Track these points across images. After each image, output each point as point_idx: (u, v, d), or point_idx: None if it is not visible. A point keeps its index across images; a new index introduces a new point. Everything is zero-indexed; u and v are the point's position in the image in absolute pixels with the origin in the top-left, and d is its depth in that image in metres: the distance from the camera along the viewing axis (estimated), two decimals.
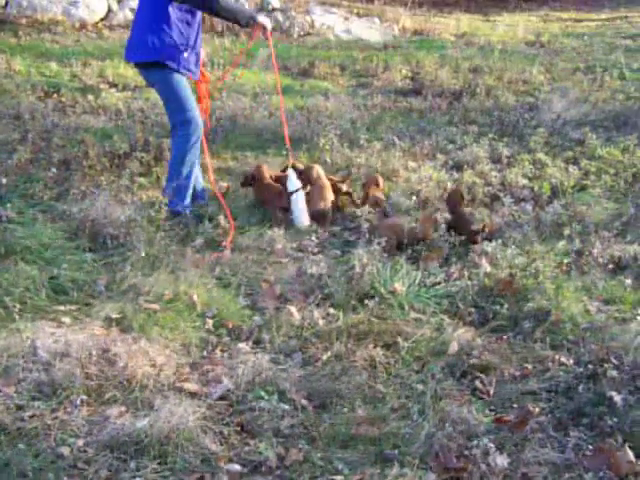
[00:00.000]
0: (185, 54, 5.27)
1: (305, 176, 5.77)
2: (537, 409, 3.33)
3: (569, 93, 9.70)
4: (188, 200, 5.58)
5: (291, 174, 5.71)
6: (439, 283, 4.52)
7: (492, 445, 2.95)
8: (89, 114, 8.17)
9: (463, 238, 5.01)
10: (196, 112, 5.46)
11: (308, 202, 5.64)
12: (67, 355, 3.45)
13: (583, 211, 5.62)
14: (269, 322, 4.05)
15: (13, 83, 8.77)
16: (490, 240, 4.90)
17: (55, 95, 8.71)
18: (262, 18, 5.44)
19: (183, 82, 5.38)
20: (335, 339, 3.85)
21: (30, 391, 3.26)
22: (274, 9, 14.50)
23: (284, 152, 6.96)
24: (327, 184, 5.79)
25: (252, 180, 5.87)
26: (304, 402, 3.38)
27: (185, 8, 5.15)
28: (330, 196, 5.68)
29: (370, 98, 9.60)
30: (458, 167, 6.72)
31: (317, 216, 5.59)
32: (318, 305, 4.24)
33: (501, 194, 5.89)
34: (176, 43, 5.18)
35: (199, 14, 5.32)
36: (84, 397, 3.22)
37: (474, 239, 5.07)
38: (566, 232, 5.13)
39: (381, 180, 5.93)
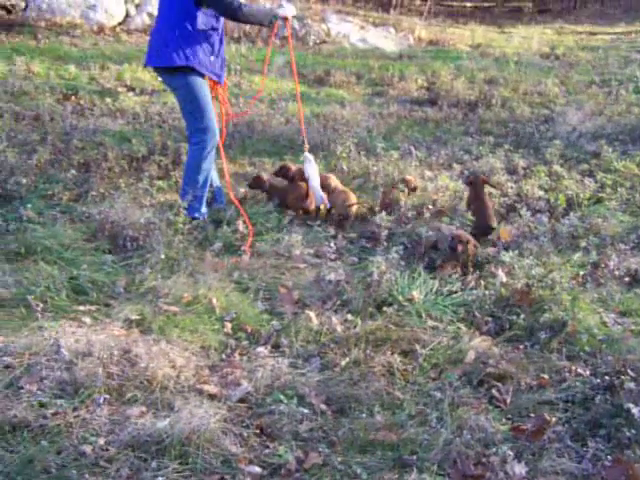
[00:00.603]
0: (212, 58, 5.31)
1: (322, 185, 5.85)
2: (554, 419, 3.34)
3: (584, 106, 9.74)
4: (204, 207, 5.62)
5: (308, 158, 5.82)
6: (455, 292, 4.54)
7: (510, 453, 2.96)
8: (107, 117, 8.24)
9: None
10: (214, 121, 5.47)
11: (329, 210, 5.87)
12: (89, 355, 3.48)
13: (599, 224, 5.63)
14: (287, 327, 4.08)
15: (32, 85, 8.87)
16: (507, 250, 4.91)
17: (73, 98, 8.82)
18: (282, 10, 5.35)
19: (206, 89, 5.41)
20: (353, 345, 3.87)
21: (52, 389, 3.29)
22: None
23: (301, 159, 7.01)
24: (347, 190, 5.90)
25: (258, 181, 5.95)
26: (323, 407, 3.40)
27: (211, 13, 5.17)
28: (352, 199, 5.79)
29: (386, 107, 9.67)
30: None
31: (339, 220, 5.72)
32: (336, 311, 4.27)
33: (517, 205, 5.91)
34: (203, 48, 5.22)
35: (222, 19, 5.35)
36: (106, 396, 3.25)
37: (487, 232, 5.10)
38: (582, 244, 5.16)
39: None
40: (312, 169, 5.78)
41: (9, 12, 12.62)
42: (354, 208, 5.78)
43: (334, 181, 5.93)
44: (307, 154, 5.80)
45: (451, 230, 5.08)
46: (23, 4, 12.81)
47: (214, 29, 5.28)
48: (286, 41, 13.68)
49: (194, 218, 5.43)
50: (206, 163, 5.50)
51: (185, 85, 5.33)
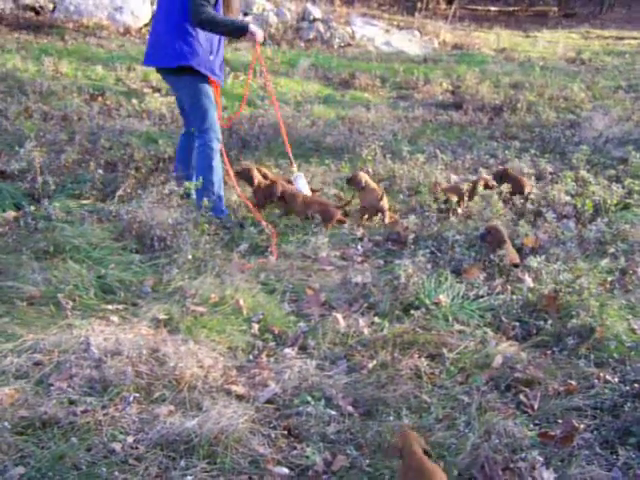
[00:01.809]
0: (211, 57, 5.33)
1: (353, 182, 5.95)
2: (582, 425, 3.33)
3: (611, 111, 9.67)
4: (224, 205, 5.67)
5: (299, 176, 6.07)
6: (482, 296, 4.52)
7: (540, 459, 2.95)
8: (133, 117, 8.29)
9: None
10: (216, 120, 5.54)
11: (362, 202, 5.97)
12: (118, 353, 3.51)
13: (627, 230, 5.58)
14: (314, 329, 4.09)
15: (60, 85, 8.95)
16: (534, 255, 4.89)
17: (100, 98, 8.87)
18: (253, 27, 5.33)
19: (207, 89, 5.43)
20: (380, 348, 3.87)
21: (82, 387, 3.33)
22: (315, 19, 14.59)
23: (326, 161, 7.02)
24: (376, 186, 6.00)
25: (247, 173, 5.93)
26: (350, 409, 3.41)
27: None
28: (381, 193, 5.87)
29: (411, 110, 9.66)
30: None
31: (370, 215, 5.83)
32: (363, 314, 4.27)
33: (544, 210, 5.87)
34: (203, 47, 5.24)
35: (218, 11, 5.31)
36: (135, 395, 3.27)
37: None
38: (610, 250, 5.12)
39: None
40: (303, 185, 6.06)
41: (37, 14, 12.74)
42: (385, 203, 5.84)
43: (364, 177, 5.98)
44: (297, 174, 6.06)
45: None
46: (51, 6, 12.93)
47: None
48: (311, 44, 13.76)
49: (219, 218, 5.46)
50: (216, 161, 5.56)
51: (189, 85, 5.38)
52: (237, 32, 5.34)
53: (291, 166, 6.22)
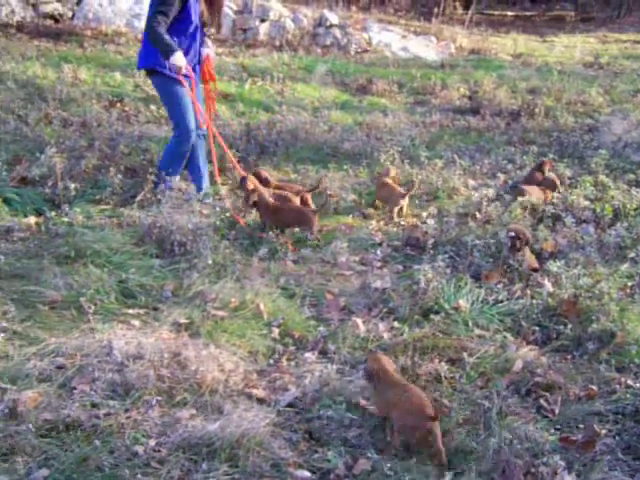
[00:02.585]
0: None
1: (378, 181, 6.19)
2: (604, 431, 3.31)
3: (630, 115, 9.63)
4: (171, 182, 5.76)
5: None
6: (502, 301, 4.51)
7: (561, 464, 2.94)
8: (152, 123, 8.35)
9: None
10: (187, 121, 5.82)
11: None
12: (140, 357, 3.53)
13: None
14: (334, 333, 4.10)
15: (79, 92, 9.01)
16: (554, 260, 4.87)
17: (119, 104, 8.93)
18: (174, 58, 5.46)
19: (177, 89, 5.72)
20: (400, 352, 3.87)
21: (104, 390, 3.35)
22: (332, 25, 14.63)
23: (344, 167, 7.04)
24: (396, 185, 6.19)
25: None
26: (370, 413, 3.41)
27: (172, 17, 5.49)
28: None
29: (428, 116, 9.65)
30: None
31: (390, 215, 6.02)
32: (382, 318, 4.28)
33: (563, 214, 5.85)
34: None
35: (189, 22, 5.62)
36: (158, 398, 3.29)
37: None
38: (630, 255, 5.09)
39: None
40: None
41: (57, 21, 12.86)
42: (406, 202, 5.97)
43: (384, 177, 6.12)
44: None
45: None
46: (70, 13, 13.05)
47: (179, 31, 5.59)
48: (328, 50, 13.79)
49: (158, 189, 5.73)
50: (177, 157, 5.95)
51: (159, 85, 5.84)
52: (165, 54, 5.49)
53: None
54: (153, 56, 5.56)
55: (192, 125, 5.85)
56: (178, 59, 5.48)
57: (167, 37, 5.45)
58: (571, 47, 16.55)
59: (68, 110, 8.29)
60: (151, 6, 5.48)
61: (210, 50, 6.00)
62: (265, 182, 6.08)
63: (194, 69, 5.87)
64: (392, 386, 3.31)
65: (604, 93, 11.17)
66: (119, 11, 13.31)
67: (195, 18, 5.66)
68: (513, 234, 4.97)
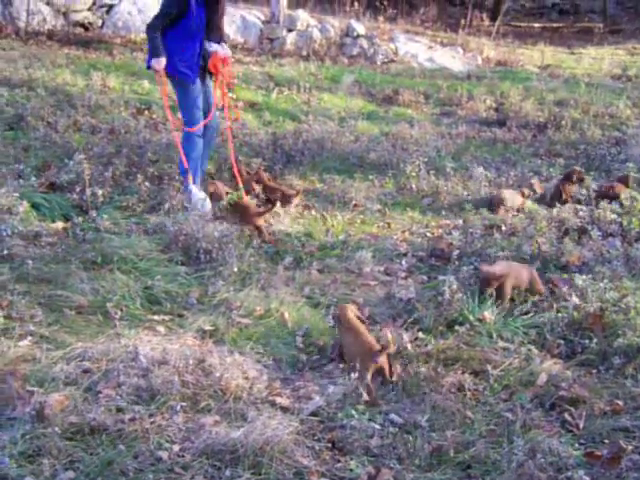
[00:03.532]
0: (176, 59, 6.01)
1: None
2: (630, 447, 3.27)
3: None
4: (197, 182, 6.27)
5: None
6: (527, 313, 4.49)
7: (586, 479, 2.92)
8: (179, 132, 8.37)
9: None
10: (192, 112, 6.30)
11: None
12: (165, 363, 3.56)
13: None
14: None
15: (107, 99, 9.08)
16: (580, 273, 4.84)
17: (146, 112, 9.00)
18: (156, 61, 5.98)
19: (183, 86, 6.18)
20: (424, 363, 3.86)
21: (130, 395, 3.39)
22: (359, 35, 14.66)
23: (370, 177, 7.05)
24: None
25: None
26: (393, 423, 3.41)
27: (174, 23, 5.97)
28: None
29: (454, 127, 9.64)
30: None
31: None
32: (407, 329, 4.27)
33: (589, 227, 5.81)
34: (168, 50, 5.98)
35: (191, 25, 5.99)
36: (182, 404, 3.31)
37: None
38: None
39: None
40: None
41: (87, 29, 12.99)
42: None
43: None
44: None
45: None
46: (100, 22, 13.18)
47: (183, 32, 6.02)
48: (354, 60, 13.82)
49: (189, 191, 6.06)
50: (193, 148, 6.33)
51: (172, 85, 6.30)
52: (151, 54, 6.05)
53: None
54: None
55: (197, 122, 6.32)
56: (159, 63, 5.98)
57: (158, 41, 5.97)
58: (599, 59, 16.44)
59: (97, 117, 8.37)
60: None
61: (219, 47, 6.26)
62: (264, 186, 6.48)
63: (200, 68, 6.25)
64: (348, 332, 3.92)
65: (632, 106, 11.06)
66: (148, 20, 13.40)
67: (198, 22, 6.02)
68: (484, 275, 4.70)
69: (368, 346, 3.77)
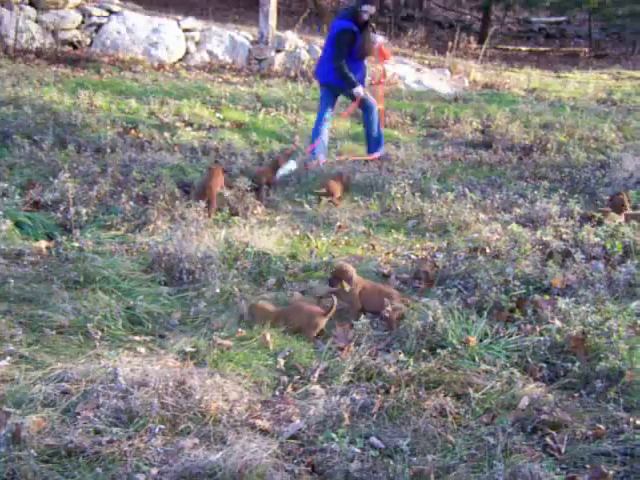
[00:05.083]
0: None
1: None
2: (611, 472, 3.26)
3: None
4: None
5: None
6: (509, 336, 4.48)
7: None
8: (165, 151, 8.39)
9: None
10: (322, 120, 8.66)
11: None
12: (145, 384, 3.54)
13: None
14: (340, 365, 4.07)
15: (94, 118, 9.10)
16: (563, 296, 4.85)
17: (133, 131, 9.02)
18: (358, 90, 8.29)
19: (323, 95, 8.74)
20: (405, 386, 3.85)
21: (108, 417, 3.36)
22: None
23: (355, 198, 7.05)
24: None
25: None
26: (374, 446, 3.39)
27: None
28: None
29: (440, 149, 9.69)
30: (530, 222, 6.69)
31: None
32: (389, 351, 4.25)
33: (572, 250, 5.82)
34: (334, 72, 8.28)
35: (358, 51, 8.23)
36: (161, 426, 3.29)
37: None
38: None
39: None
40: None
41: (75, 48, 13.02)
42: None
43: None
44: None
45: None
46: (89, 40, 13.22)
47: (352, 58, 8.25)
48: None
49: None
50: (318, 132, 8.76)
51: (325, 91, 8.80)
52: (347, 86, 8.32)
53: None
54: (332, 75, 8.26)
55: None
56: (358, 91, 8.29)
57: (350, 74, 8.14)
58: (584, 83, 16.60)
59: (83, 136, 8.38)
60: (332, 44, 8.19)
61: (380, 38, 8.88)
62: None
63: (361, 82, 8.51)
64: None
65: (617, 129, 11.16)
66: (137, 39, 13.47)
67: (360, 49, 8.19)
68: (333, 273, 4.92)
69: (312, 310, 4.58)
